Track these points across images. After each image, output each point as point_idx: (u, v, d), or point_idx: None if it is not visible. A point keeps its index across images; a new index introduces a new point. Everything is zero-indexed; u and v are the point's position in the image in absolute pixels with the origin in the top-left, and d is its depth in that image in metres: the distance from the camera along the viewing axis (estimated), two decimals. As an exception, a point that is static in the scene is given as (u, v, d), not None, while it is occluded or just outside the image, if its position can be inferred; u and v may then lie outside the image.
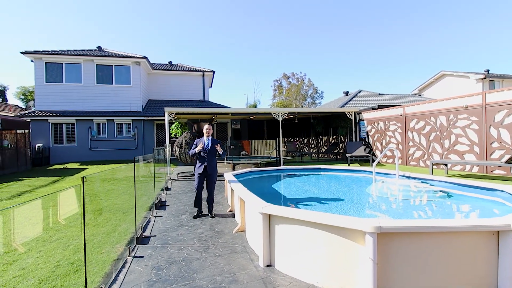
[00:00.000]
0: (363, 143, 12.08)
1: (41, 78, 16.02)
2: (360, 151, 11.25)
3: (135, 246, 4.07)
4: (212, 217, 5.27)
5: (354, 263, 2.65)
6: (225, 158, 12.88)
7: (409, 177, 6.99)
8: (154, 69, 19.76)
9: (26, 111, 17.14)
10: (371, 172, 7.85)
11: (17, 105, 27.53)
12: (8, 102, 31.08)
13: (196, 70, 20.66)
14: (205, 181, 5.40)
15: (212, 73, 20.91)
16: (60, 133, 16.10)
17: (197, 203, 5.37)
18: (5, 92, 35.91)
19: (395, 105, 11.46)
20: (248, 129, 20.13)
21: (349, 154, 10.84)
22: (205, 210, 5.55)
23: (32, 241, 4.34)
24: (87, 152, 16.19)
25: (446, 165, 8.18)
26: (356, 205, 5.25)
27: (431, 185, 6.17)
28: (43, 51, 16.02)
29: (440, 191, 5.66)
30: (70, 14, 59.01)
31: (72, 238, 4.43)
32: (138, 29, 66.36)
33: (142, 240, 4.33)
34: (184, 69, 20.79)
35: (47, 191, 8.14)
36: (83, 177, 2.46)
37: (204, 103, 19.92)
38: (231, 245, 3.98)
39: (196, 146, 5.30)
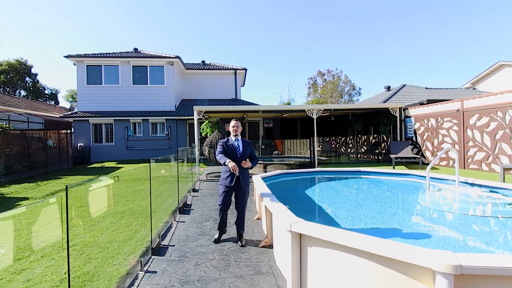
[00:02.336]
0: (410, 142, 10.74)
1: (82, 80, 16.87)
2: (407, 152, 9.98)
3: (150, 257, 3.65)
4: (242, 245, 3.90)
5: (417, 312, 1.90)
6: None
7: (472, 184, 5.83)
8: (187, 69, 19.91)
9: (69, 112, 18.19)
10: (423, 176, 6.77)
11: (64, 107, 29.74)
12: (60, 105, 33.79)
13: (228, 69, 20.45)
14: (232, 195, 4.06)
15: (244, 71, 20.55)
16: (99, 132, 16.83)
17: (221, 225, 4.11)
18: (57, 95, 39.24)
19: (448, 99, 9.99)
20: (281, 128, 19.43)
21: (394, 155, 9.63)
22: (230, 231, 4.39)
23: (48, 247, 4.13)
24: (124, 151, 16.71)
25: (519, 169, 6.78)
26: (408, 221, 4.35)
27: (503, 195, 5.02)
28: (84, 54, 16.86)
29: (517, 203, 4.52)
30: (109, 17, 62.90)
31: (88, 244, 4.15)
32: (172, 31, 68.75)
33: (159, 250, 3.91)
34: (216, 67, 20.69)
35: (80, 190, 8.24)
36: (66, 186, 2.01)
37: (236, 101, 19.61)
38: (256, 264, 3.39)
39: (224, 150, 3.94)
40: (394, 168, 9.14)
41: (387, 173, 7.31)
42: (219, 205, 4.04)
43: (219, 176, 4.26)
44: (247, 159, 3.94)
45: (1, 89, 32.41)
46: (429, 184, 5.61)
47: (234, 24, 66.76)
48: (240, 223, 4.04)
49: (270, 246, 3.93)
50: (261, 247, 3.92)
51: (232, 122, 4.00)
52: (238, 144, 3.96)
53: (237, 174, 3.85)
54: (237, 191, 3.99)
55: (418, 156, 9.58)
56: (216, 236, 4.09)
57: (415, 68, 62.96)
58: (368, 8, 58.47)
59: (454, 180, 5.86)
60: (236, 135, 3.99)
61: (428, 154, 10.32)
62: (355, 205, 5.27)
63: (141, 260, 3.44)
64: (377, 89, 67.24)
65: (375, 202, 5.39)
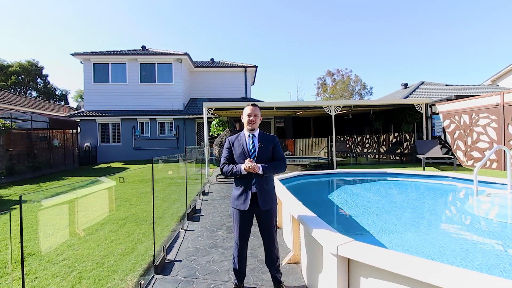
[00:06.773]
0: (438, 141, 9.83)
1: (89, 78, 16.49)
2: (436, 152, 9.09)
3: (153, 277, 3.01)
4: None
5: None
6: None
7: (528, 189, 4.98)
8: (196, 67, 19.37)
9: (76, 111, 17.85)
10: (461, 179, 5.95)
11: (72, 107, 29.67)
12: (70, 105, 33.81)
13: (237, 66, 19.84)
14: (253, 220, 2.66)
15: (254, 68, 19.88)
16: (106, 132, 16.40)
17: (239, 269, 2.63)
18: (67, 96, 39.44)
19: (477, 95, 9.05)
20: (293, 127, 18.67)
21: (423, 156, 8.76)
22: (255, 274, 2.99)
23: (35, 260, 3.52)
24: (131, 151, 16.24)
25: None
26: (465, 238, 3.55)
27: None
28: (91, 52, 16.46)
29: None
30: (117, 15, 63.25)
31: (81, 258, 3.53)
32: (181, 30, 68.72)
33: (163, 267, 3.26)
34: (226, 65, 20.11)
35: (83, 193, 7.70)
36: (20, 196, 1.35)
37: (247, 100, 18.96)
38: (282, 289, 2.69)
39: (231, 155, 2.65)
40: (424, 169, 8.29)
41: (420, 175, 6.50)
42: (235, 238, 2.63)
43: (230, 178, 2.88)
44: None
45: (12, 90, 32.60)
46: (477, 189, 4.80)
47: (243, 24, 66.33)
48: (271, 261, 2.63)
49: (297, 263, 3.24)
50: (285, 264, 3.23)
51: (248, 109, 2.64)
52: (253, 142, 2.61)
53: (253, 190, 2.51)
54: (258, 216, 2.61)
55: (452, 157, 8.67)
56: None
57: (427, 66, 61.18)
58: (378, 6, 57.12)
59: (505, 184, 5.04)
60: (252, 130, 2.63)
61: (459, 154, 9.38)
62: (391, 213, 4.51)
63: (140, 283, 2.79)
64: (389, 88, 65.73)
65: (419, 211, 4.62)
